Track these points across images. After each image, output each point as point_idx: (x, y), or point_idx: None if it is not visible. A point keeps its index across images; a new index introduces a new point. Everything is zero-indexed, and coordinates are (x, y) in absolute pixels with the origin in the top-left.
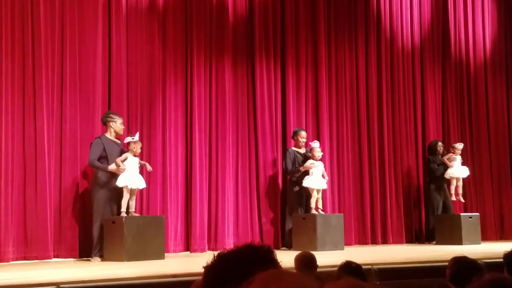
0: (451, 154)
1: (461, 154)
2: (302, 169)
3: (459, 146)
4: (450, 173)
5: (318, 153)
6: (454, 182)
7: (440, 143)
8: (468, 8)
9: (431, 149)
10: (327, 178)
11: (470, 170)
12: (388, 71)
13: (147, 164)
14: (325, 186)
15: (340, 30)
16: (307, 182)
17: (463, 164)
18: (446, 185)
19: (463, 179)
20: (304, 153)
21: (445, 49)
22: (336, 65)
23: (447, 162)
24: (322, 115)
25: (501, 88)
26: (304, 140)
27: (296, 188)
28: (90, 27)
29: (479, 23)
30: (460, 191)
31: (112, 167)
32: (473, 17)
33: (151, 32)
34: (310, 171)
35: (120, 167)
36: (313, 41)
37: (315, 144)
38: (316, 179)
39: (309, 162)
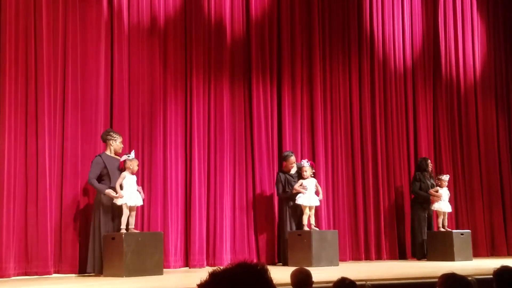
0: (438, 187)
1: (453, 172)
2: (294, 191)
3: (446, 178)
4: (437, 207)
5: (306, 172)
6: (441, 215)
7: (429, 161)
8: (458, 31)
9: (421, 166)
10: (321, 196)
11: (462, 188)
12: (381, 92)
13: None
14: (317, 203)
15: (335, 51)
16: (300, 200)
17: (453, 182)
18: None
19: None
20: (294, 174)
21: (436, 71)
22: (330, 85)
23: (434, 194)
24: (317, 133)
25: (490, 107)
26: (293, 165)
27: (290, 204)
28: (92, 47)
29: (469, 45)
30: (446, 223)
31: (109, 192)
32: (463, 39)
33: (152, 52)
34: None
35: (118, 195)
36: (308, 62)
37: (305, 163)
38: (309, 196)
39: (298, 184)
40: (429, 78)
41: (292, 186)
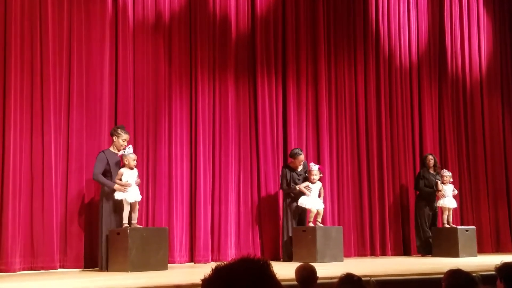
0: (442, 184)
1: (458, 168)
2: (298, 188)
3: (446, 173)
4: (442, 203)
5: (315, 176)
6: (446, 211)
7: (430, 156)
8: (464, 27)
9: (424, 163)
10: (321, 197)
11: (467, 184)
12: (386, 88)
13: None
14: (319, 207)
15: (340, 47)
16: (302, 201)
17: (458, 178)
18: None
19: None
20: (300, 171)
21: (442, 67)
22: (335, 81)
23: (440, 191)
24: (322, 129)
25: (496, 104)
26: (301, 163)
27: (293, 204)
28: (97, 43)
29: (475, 42)
30: (451, 219)
31: (117, 186)
32: (469, 35)
33: (156, 49)
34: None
35: (124, 187)
36: (313, 58)
37: (314, 167)
38: (312, 199)
39: (304, 185)
40: (434, 74)
41: (296, 184)
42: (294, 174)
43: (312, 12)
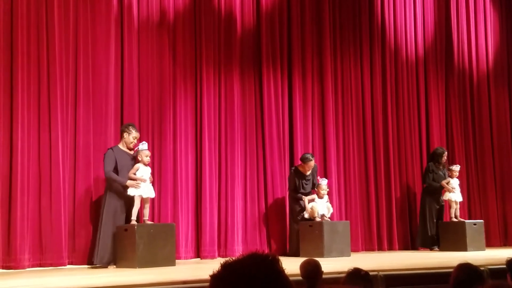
0: (449, 179)
1: (465, 162)
2: (304, 200)
3: (456, 168)
4: (450, 196)
5: (323, 191)
6: (453, 205)
7: (445, 153)
8: (471, 20)
9: (436, 157)
10: (331, 210)
11: (474, 178)
12: (392, 82)
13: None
14: (325, 211)
15: (346, 41)
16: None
17: (466, 172)
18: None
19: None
20: (308, 176)
21: (449, 60)
22: (342, 76)
23: (447, 187)
24: (328, 124)
25: (503, 97)
26: (310, 170)
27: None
28: (102, 41)
29: (481, 35)
30: (458, 213)
31: (129, 182)
32: (476, 28)
33: (162, 46)
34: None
35: (137, 182)
36: (319, 53)
37: (322, 182)
38: (319, 207)
39: (311, 197)
40: (441, 67)
41: (303, 187)
42: (303, 180)
43: (318, 6)
